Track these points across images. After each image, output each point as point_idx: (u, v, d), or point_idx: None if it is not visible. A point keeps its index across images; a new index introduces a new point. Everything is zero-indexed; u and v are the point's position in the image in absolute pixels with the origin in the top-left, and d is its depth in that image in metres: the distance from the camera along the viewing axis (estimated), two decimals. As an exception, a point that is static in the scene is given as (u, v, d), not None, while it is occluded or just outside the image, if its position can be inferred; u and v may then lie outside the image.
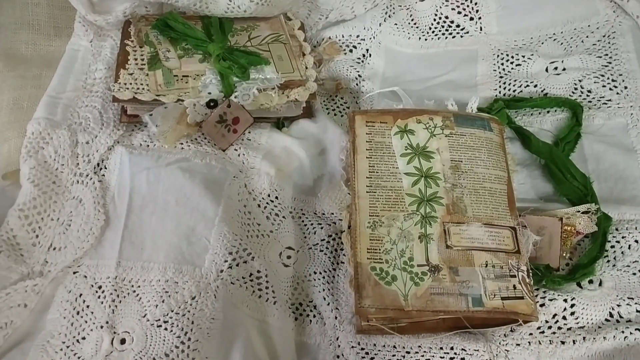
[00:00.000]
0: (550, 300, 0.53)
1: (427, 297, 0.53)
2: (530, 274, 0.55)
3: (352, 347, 0.54)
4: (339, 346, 0.55)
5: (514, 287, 0.53)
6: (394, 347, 0.53)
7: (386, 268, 0.54)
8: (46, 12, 0.72)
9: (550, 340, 0.51)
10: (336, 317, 0.56)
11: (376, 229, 0.56)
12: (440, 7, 0.77)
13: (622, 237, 0.58)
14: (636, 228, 0.57)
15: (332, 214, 0.62)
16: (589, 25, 0.73)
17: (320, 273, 0.59)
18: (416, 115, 0.63)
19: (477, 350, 0.52)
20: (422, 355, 0.53)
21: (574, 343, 0.51)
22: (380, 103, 0.71)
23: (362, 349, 0.54)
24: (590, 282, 0.55)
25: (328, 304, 0.57)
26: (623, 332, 0.51)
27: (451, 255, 0.55)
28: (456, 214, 0.57)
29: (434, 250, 0.55)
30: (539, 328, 0.53)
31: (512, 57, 0.73)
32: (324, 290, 0.58)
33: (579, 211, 0.57)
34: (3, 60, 0.67)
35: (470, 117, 0.64)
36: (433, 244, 0.55)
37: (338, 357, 0.54)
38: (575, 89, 0.68)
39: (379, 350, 0.54)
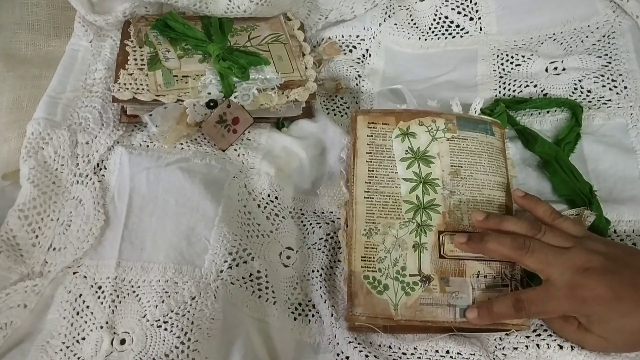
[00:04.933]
0: (549, 302, 0.53)
1: (417, 307, 0.52)
2: (525, 281, 0.54)
3: (350, 342, 0.53)
4: (338, 344, 0.54)
5: None
6: (390, 347, 0.53)
7: (379, 277, 0.54)
8: (46, 12, 0.71)
9: (547, 344, 0.51)
10: (332, 315, 0.56)
11: (371, 236, 0.56)
12: (440, 7, 0.77)
13: (620, 240, 0.57)
14: (633, 231, 0.57)
15: (331, 212, 0.62)
16: (588, 25, 0.73)
17: (319, 271, 0.59)
18: (419, 117, 0.62)
19: (474, 354, 0.51)
20: (419, 358, 0.53)
21: (572, 349, 0.50)
22: (381, 104, 0.71)
23: (359, 343, 0.53)
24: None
25: (325, 302, 0.56)
26: (622, 335, 0.51)
27: (443, 265, 0.54)
28: (452, 223, 0.56)
29: (426, 260, 0.55)
30: (535, 331, 0.52)
31: (512, 57, 0.72)
32: (321, 288, 0.57)
33: (572, 214, 0.56)
34: (3, 61, 0.66)
35: (473, 120, 0.63)
36: (426, 253, 0.55)
37: (338, 355, 0.54)
38: (575, 89, 0.67)
39: (375, 349, 0.53)
